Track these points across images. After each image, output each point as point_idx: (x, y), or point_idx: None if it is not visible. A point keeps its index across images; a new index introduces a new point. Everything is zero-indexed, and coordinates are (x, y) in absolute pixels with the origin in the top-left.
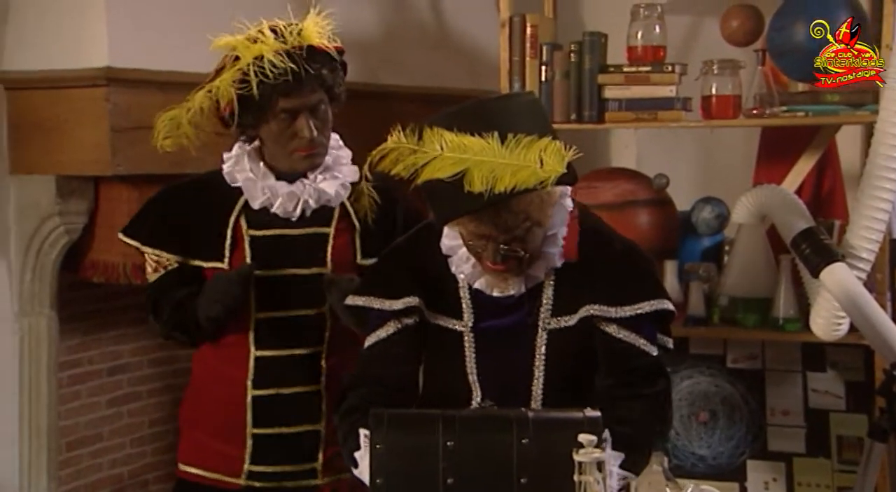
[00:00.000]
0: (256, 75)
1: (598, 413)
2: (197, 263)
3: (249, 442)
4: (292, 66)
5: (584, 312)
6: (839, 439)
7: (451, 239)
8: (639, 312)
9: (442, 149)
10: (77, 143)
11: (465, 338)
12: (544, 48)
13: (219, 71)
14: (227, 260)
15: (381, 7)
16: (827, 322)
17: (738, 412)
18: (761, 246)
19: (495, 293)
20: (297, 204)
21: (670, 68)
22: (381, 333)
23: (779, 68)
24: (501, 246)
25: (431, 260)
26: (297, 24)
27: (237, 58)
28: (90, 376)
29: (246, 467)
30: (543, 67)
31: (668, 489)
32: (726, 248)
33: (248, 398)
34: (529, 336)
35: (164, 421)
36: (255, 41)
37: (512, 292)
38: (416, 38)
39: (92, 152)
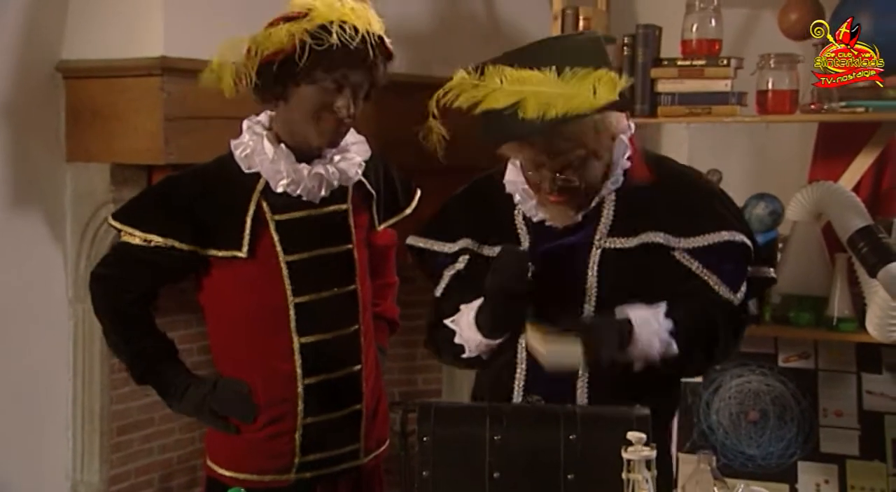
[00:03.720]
0: (332, 28)
1: (647, 411)
2: (211, 252)
3: (299, 434)
4: (363, 43)
5: (645, 237)
6: (894, 442)
7: (514, 175)
8: (709, 242)
9: (502, 82)
10: (131, 131)
11: None
12: None
13: (284, 19)
14: (246, 248)
15: (434, 0)
16: (883, 323)
17: (789, 412)
18: (816, 244)
19: (555, 224)
20: (321, 185)
21: (725, 62)
22: (447, 276)
23: None
24: (558, 176)
25: (485, 201)
26: (369, 11)
27: (305, 13)
28: None
29: (297, 460)
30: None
31: (716, 489)
32: (780, 245)
33: (300, 389)
34: (584, 255)
35: None
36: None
37: (577, 219)
38: (469, 30)
39: (145, 141)
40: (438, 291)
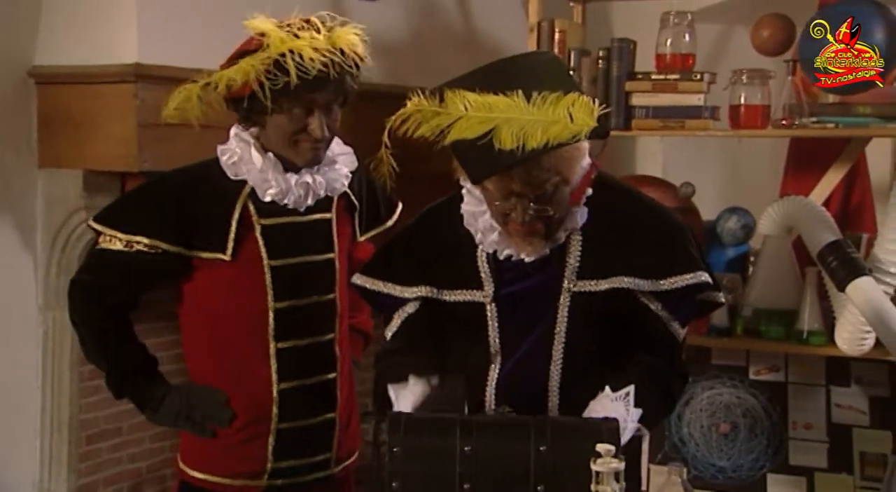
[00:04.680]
0: (288, 65)
1: (616, 422)
2: (196, 253)
3: (272, 438)
4: (322, 66)
5: (616, 282)
6: (862, 455)
7: (473, 206)
8: (676, 286)
9: (466, 109)
10: (104, 138)
11: (488, 308)
12: (572, 54)
13: (241, 53)
14: (230, 251)
15: (411, 10)
16: (852, 337)
17: (760, 425)
18: (787, 258)
19: (524, 257)
20: (308, 194)
21: (699, 77)
22: (397, 319)
23: (809, 79)
24: (531, 205)
25: (441, 239)
26: (330, 25)
27: (262, 45)
28: None
29: (269, 465)
30: (571, 73)
31: None
32: (751, 259)
33: (274, 393)
34: (552, 299)
35: None
36: (288, 31)
37: (543, 253)
38: (445, 41)
39: (119, 148)
40: (389, 333)
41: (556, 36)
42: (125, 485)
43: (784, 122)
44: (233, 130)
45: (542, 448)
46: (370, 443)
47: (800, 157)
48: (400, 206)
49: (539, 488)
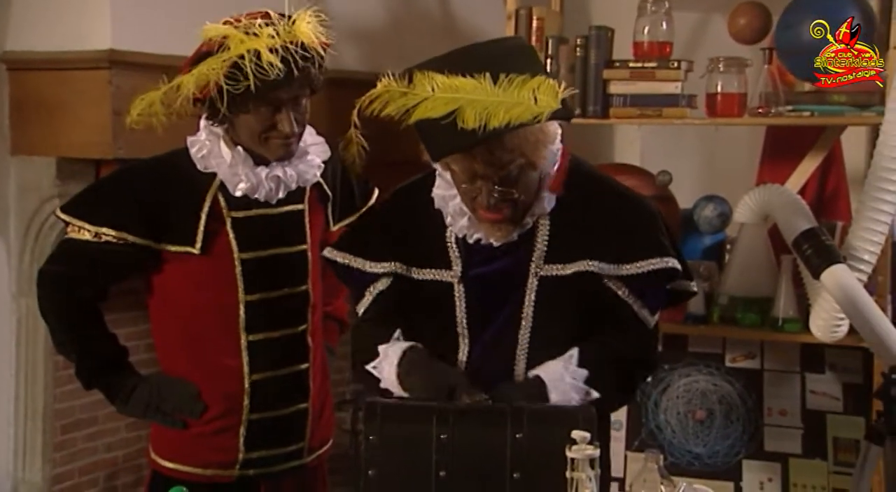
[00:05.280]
0: (246, 68)
1: (593, 409)
2: (164, 246)
3: (243, 429)
4: (281, 63)
5: (581, 265)
6: (836, 440)
7: (443, 190)
8: (640, 271)
9: (433, 90)
10: (79, 125)
11: (455, 288)
12: (550, 41)
13: (202, 54)
14: (199, 245)
15: None
16: (826, 324)
17: (735, 412)
18: (763, 246)
19: (493, 242)
20: (279, 187)
21: (676, 65)
22: (369, 295)
23: (785, 67)
24: (496, 188)
25: (412, 217)
26: (289, 19)
27: (222, 45)
28: None
29: (241, 455)
30: (549, 61)
31: (662, 487)
32: (727, 246)
33: (246, 385)
34: (519, 282)
35: None
36: (247, 32)
37: (511, 238)
38: (422, 28)
39: (93, 135)
40: (361, 309)
41: (534, 23)
42: (100, 474)
43: (760, 110)
44: (202, 122)
45: (518, 436)
46: (348, 431)
47: (776, 145)
48: (377, 192)
49: (515, 475)
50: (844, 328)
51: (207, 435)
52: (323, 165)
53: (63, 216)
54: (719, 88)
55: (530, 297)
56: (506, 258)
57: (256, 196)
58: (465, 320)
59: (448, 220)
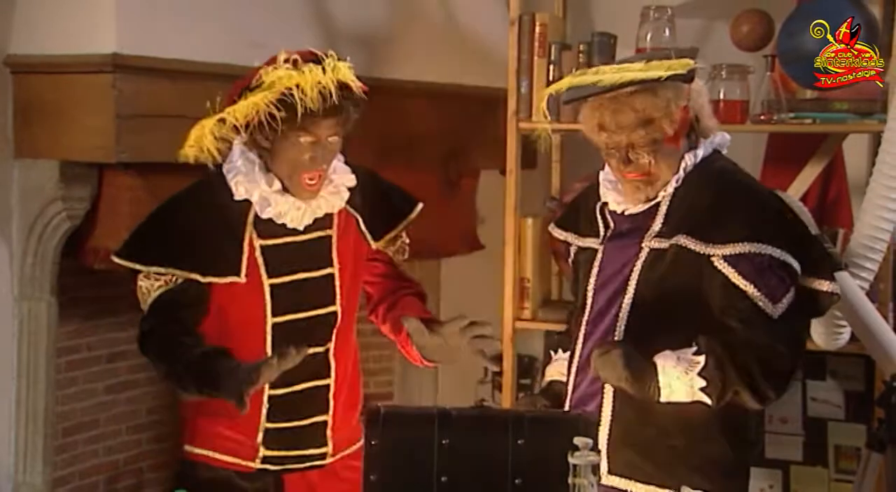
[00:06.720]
0: (294, 100)
1: (594, 414)
2: (210, 279)
3: (261, 434)
4: (327, 99)
5: (675, 239)
6: (837, 448)
7: (608, 168)
8: (729, 252)
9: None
10: (82, 129)
11: (597, 254)
12: (553, 47)
13: (248, 87)
14: (244, 273)
15: (393, 2)
16: (827, 331)
17: None
18: None
19: (628, 208)
20: (304, 214)
21: None
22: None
23: (788, 75)
24: (630, 149)
25: (588, 200)
26: (334, 58)
27: (263, 79)
28: (88, 362)
29: (261, 452)
30: (551, 67)
31: None
32: None
33: (265, 397)
34: (634, 252)
35: (162, 409)
36: (294, 66)
37: (640, 209)
38: (425, 33)
39: (96, 139)
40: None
41: (537, 29)
42: (101, 477)
43: (762, 117)
44: (237, 149)
45: (519, 441)
46: None
47: (778, 152)
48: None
49: (516, 481)
50: (846, 336)
51: (225, 428)
52: (348, 193)
53: (116, 260)
54: (722, 95)
55: (637, 266)
56: (631, 232)
57: (284, 221)
58: (594, 283)
59: (602, 192)
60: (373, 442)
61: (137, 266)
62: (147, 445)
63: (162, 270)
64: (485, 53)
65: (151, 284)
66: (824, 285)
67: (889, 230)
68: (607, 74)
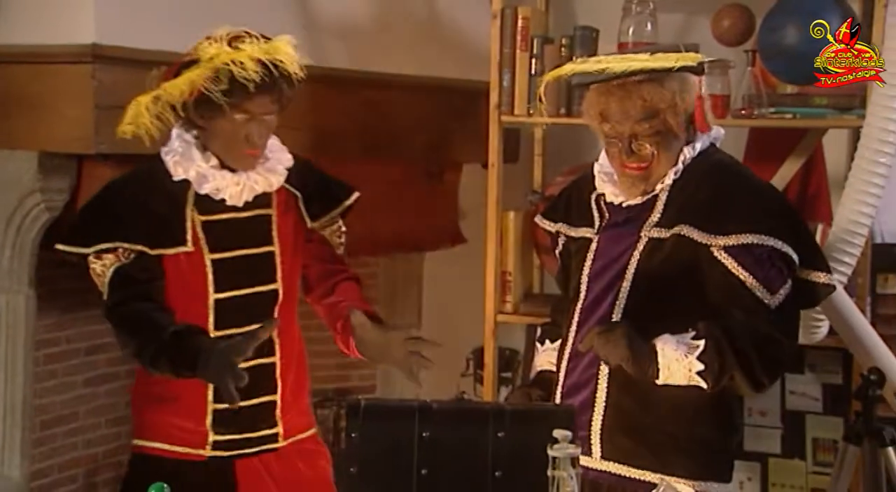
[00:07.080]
0: (231, 74)
1: (573, 406)
2: (159, 251)
3: (209, 418)
4: (265, 75)
5: (677, 229)
6: (815, 441)
7: (602, 159)
8: (732, 243)
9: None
10: (60, 120)
11: (592, 243)
12: (535, 41)
13: (185, 63)
14: (189, 242)
15: None
16: (806, 324)
17: None
18: None
19: (626, 200)
20: (243, 192)
21: None
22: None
23: (768, 70)
24: (632, 142)
25: (580, 189)
26: (271, 38)
27: (202, 56)
28: (67, 355)
29: (210, 438)
30: (534, 60)
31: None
32: None
33: None
34: (632, 242)
35: None
36: (231, 44)
37: (638, 201)
38: (407, 26)
39: (75, 130)
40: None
41: (520, 23)
42: (80, 471)
43: (743, 112)
44: (175, 131)
45: (499, 434)
46: (331, 429)
47: (759, 146)
48: (356, 193)
49: (497, 473)
50: (824, 330)
51: (172, 415)
52: (287, 171)
53: (61, 248)
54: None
55: (635, 256)
56: (628, 222)
57: (223, 197)
58: (588, 272)
59: (597, 183)
60: (353, 435)
61: (82, 250)
62: (127, 438)
63: (109, 245)
64: (467, 47)
65: (104, 263)
66: (821, 277)
67: (867, 225)
68: (613, 62)
